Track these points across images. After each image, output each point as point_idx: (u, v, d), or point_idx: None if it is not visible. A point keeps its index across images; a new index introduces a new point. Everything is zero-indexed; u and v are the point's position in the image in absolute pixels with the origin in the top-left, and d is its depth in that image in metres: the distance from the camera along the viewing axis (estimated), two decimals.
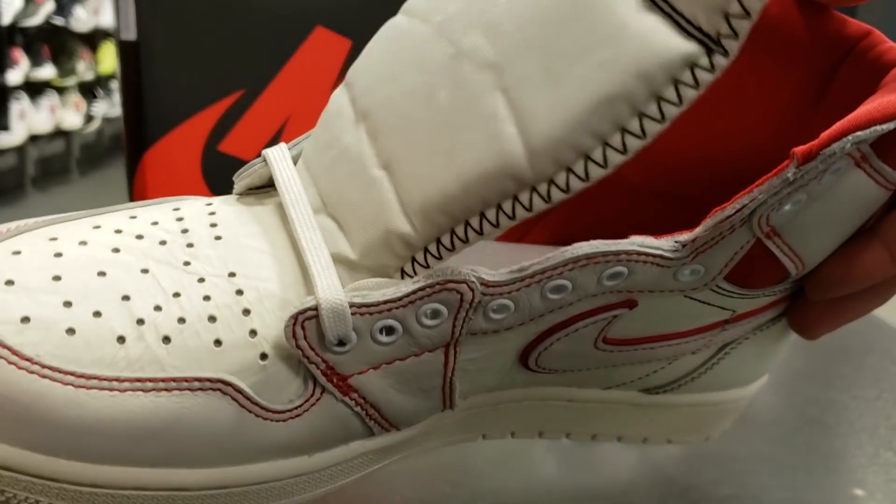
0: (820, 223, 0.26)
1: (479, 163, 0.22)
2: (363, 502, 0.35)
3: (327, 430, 0.25)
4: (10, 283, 0.23)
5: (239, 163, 0.48)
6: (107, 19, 2.88)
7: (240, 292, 0.25)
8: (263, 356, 0.24)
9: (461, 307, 0.24)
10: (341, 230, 0.25)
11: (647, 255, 0.24)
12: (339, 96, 0.27)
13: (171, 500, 0.24)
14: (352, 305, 0.24)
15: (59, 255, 0.24)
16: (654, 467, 0.37)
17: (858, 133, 0.22)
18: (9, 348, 0.22)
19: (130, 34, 0.45)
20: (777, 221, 0.25)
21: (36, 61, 2.66)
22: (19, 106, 2.56)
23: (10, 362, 0.22)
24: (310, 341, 0.24)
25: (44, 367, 0.23)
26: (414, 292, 0.24)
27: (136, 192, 0.47)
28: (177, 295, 0.24)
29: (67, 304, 0.23)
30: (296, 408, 0.25)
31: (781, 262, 0.26)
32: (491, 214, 0.23)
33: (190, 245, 0.25)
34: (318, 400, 0.25)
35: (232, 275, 0.25)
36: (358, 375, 0.25)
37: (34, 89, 2.66)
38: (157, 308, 0.24)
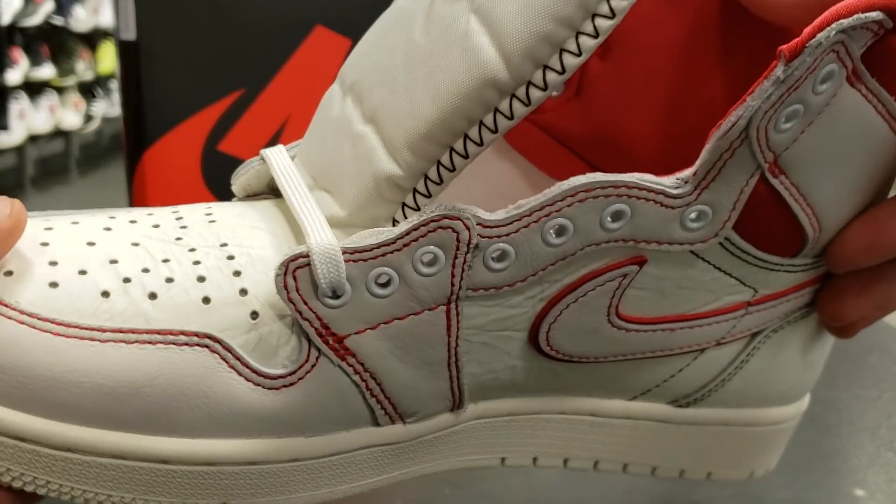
0: (823, 156, 0.25)
1: (458, 80, 0.22)
2: (364, 503, 0.35)
3: (325, 403, 0.24)
4: None
5: (239, 163, 0.48)
6: (106, 19, 2.87)
7: (231, 257, 0.24)
8: (254, 314, 0.24)
9: (458, 249, 0.23)
10: (333, 197, 0.25)
11: (648, 189, 0.24)
12: (331, 87, 0.27)
13: (152, 474, 0.23)
14: (344, 251, 0.23)
15: (49, 228, 0.24)
16: None
17: (842, 21, 0.22)
18: None
19: (130, 34, 0.45)
20: (776, 142, 0.24)
21: (35, 61, 2.66)
22: (18, 106, 2.56)
23: None
24: (302, 293, 0.23)
25: (22, 312, 0.22)
26: (408, 232, 0.23)
27: (136, 191, 0.47)
28: (166, 261, 0.24)
29: (53, 262, 0.23)
30: (290, 374, 0.24)
31: (793, 211, 0.25)
32: (474, 133, 0.23)
33: (183, 227, 0.25)
34: (313, 366, 0.24)
35: (224, 245, 0.25)
36: (355, 336, 0.24)
37: (33, 89, 2.66)
38: (145, 270, 0.23)
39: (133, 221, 0.25)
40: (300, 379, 0.24)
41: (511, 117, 0.22)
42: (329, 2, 0.46)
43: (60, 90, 2.79)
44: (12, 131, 2.53)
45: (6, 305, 0.22)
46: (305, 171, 0.26)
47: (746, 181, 0.24)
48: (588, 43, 0.22)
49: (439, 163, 0.23)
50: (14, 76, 2.54)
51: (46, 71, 2.70)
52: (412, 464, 0.27)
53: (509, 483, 0.36)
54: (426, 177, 0.23)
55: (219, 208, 0.27)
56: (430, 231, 0.23)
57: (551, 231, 0.24)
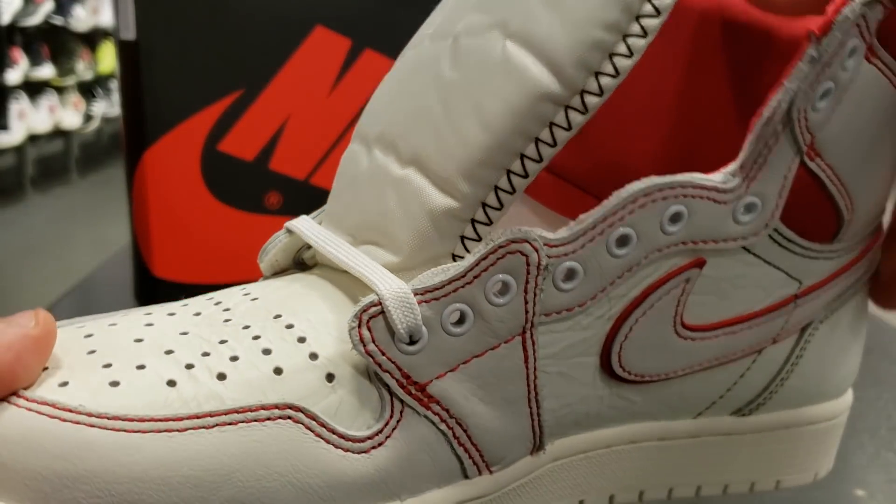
0: (852, 133, 0.25)
1: (508, 101, 0.22)
2: None
3: (415, 458, 0.23)
4: (44, 369, 0.21)
5: (238, 162, 0.48)
6: (106, 19, 2.87)
7: (290, 326, 0.23)
8: (330, 377, 0.22)
9: (529, 273, 0.23)
10: (381, 247, 0.24)
11: (702, 187, 0.24)
12: (349, 148, 0.27)
13: None
14: (416, 293, 0.22)
15: (89, 335, 0.23)
16: None
17: None
18: (48, 403, 0.20)
19: (130, 34, 0.45)
20: (814, 122, 0.24)
21: (35, 61, 2.66)
22: (18, 106, 2.56)
23: (51, 416, 0.20)
24: (379, 343, 0.22)
25: (90, 415, 0.20)
26: (477, 263, 0.22)
27: (136, 191, 0.47)
28: (223, 342, 0.23)
29: (106, 365, 0.22)
30: (377, 433, 0.23)
31: (830, 192, 0.26)
32: (531, 150, 0.23)
33: (226, 310, 0.24)
34: (398, 421, 0.23)
35: (278, 317, 0.24)
36: (436, 381, 0.23)
37: (33, 89, 2.66)
38: (205, 354, 0.22)
39: (171, 314, 0.24)
40: (387, 438, 0.23)
41: (569, 128, 0.22)
42: (329, 2, 0.46)
43: (60, 90, 2.80)
44: (12, 131, 2.53)
45: (71, 410, 0.20)
46: (340, 233, 0.25)
47: (789, 167, 0.25)
48: (638, 43, 0.22)
49: (497, 187, 0.23)
50: (14, 76, 2.54)
51: (46, 71, 2.70)
52: None
53: None
54: (484, 204, 0.23)
55: (255, 288, 0.26)
56: (498, 259, 0.23)
57: (615, 242, 0.24)
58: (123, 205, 0.49)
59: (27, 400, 0.20)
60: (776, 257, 0.26)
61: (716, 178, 0.24)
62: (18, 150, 2.63)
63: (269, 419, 0.21)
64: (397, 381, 0.23)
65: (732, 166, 0.24)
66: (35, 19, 2.61)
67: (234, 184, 0.47)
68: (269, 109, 0.47)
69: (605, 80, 0.22)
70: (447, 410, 0.23)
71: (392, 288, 0.22)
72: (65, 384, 0.21)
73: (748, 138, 0.24)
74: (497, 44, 0.23)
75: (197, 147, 0.46)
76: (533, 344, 0.24)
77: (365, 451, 0.22)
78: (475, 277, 0.23)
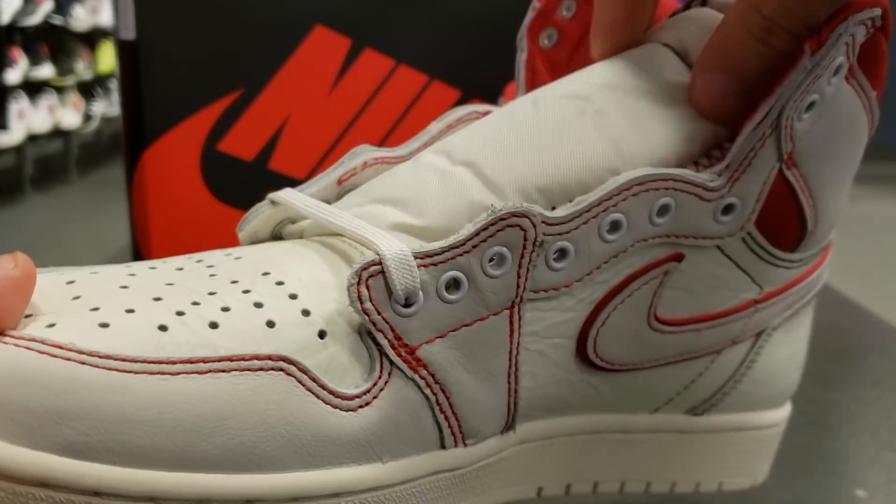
0: (825, 147, 0.27)
1: (582, 157, 0.25)
2: None
3: (399, 420, 0.24)
4: (27, 316, 0.21)
5: (238, 162, 0.48)
6: (106, 18, 2.88)
7: (280, 283, 0.23)
8: (322, 334, 0.23)
9: (525, 248, 0.24)
10: (398, 208, 0.25)
11: (691, 183, 0.25)
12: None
13: None
14: (416, 256, 0.23)
15: (71, 282, 0.22)
16: None
17: (856, 14, 0.24)
18: (37, 340, 0.20)
19: (129, 33, 0.45)
20: (798, 132, 0.26)
21: (34, 61, 2.66)
22: (18, 105, 2.56)
23: (40, 352, 0.19)
24: (376, 302, 0.22)
25: (81, 353, 0.20)
26: (478, 233, 0.23)
27: (135, 191, 0.47)
28: (212, 293, 0.23)
29: (94, 308, 0.21)
30: (365, 392, 0.23)
31: (801, 203, 0.27)
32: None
33: (210, 266, 0.24)
34: (386, 382, 0.23)
35: (266, 274, 0.24)
36: (426, 346, 0.23)
37: (33, 89, 2.66)
38: (195, 303, 0.22)
39: (153, 268, 0.24)
40: (374, 398, 0.23)
41: None
42: (329, 2, 0.46)
43: (60, 90, 2.80)
44: (12, 131, 2.53)
45: (61, 347, 0.20)
46: (356, 197, 0.26)
47: (769, 172, 0.26)
48: (710, 166, 0.26)
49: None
50: (13, 76, 2.54)
51: (46, 71, 2.70)
52: (468, 496, 0.26)
53: None
54: None
55: (237, 250, 0.26)
56: (498, 230, 0.23)
57: (606, 227, 0.25)
58: (123, 205, 0.49)
59: (14, 338, 0.20)
60: (745, 260, 0.28)
61: (704, 175, 0.25)
62: (18, 149, 2.62)
63: (261, 370, 0.21)
64: (389, 341, 0.23)
65: (719, 166, 0.25)
66: (35, 19, 2.61)
67: (234, 184, 0.47)
68: (268, 109, 0.47)
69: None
70: (433, 375, 0.24)
71: (393, 249, 0.23)
72: (52, 325, 0.20)
73: (737, 140, 0.25)
74: (580, 115, 0.26)
75: (197, 147, 0.46)
76: (519, 319, 0.25)
77: (353, 410, 0.23)
78: (474, 247, 0.23)
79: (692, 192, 0.25)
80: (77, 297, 0.22)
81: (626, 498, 0.31)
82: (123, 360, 0.20)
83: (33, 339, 0.20)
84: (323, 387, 0.22)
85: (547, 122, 0.26)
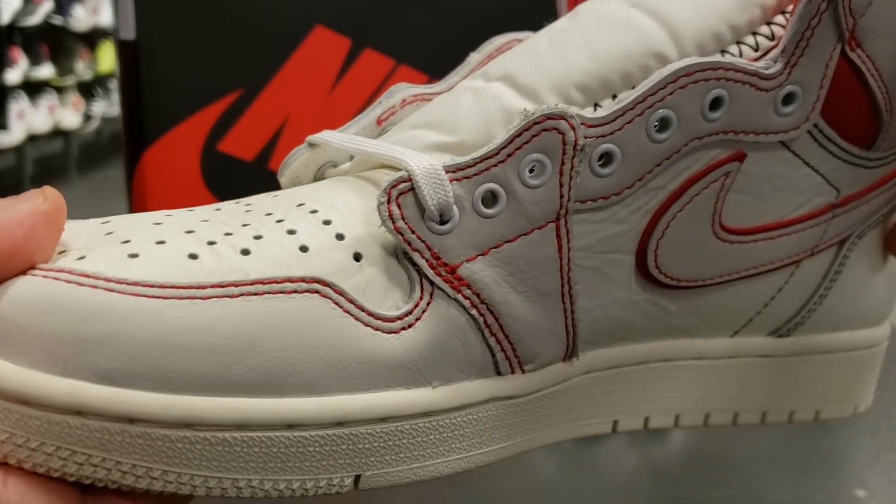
0: (888, 21, 0.25)
1: (623, 45, 0.24)
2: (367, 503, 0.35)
3: (446, 343, 0.23)
4: (60, 253, 0.21)
5: (238, 162, 0.48)
6: (106, 18, 2.87)
7: (314, 211, 0.23)
8: (357, 256, 0.22)
9: (565, 154, 0.22)
10: (433, 129, 0.24)
11: (744, 71, 0.23)
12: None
13: (280, 445, 0.21)
14: (447, 170, 0.22)
15: (106, 222, 0.22)
16: (655, 468, 0.37)
17: None
18: (66, 270, 0.20)
19: (129, 33, 0.45)
20: (857, 4, 0.24)
21: (34, 61, 2.65)
22: (18, 105, 2.56)
23: (68, 282, 0.19)
24: (409, 220, 0.22)
25: (109, 280, 0.19)
26: (511, 140, 0.22)
27: (135, 191, 0.47)
28: (245, 225, 0.22)
29: (125, 241, 0.21)
30: (407, 314, 0.22)
31: (871, 88, 0.25)
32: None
33: (248, 204, 0.24)
34: (428, 303, 0.22)
35: (301, 205, 0.23)
36: (467, 264, 0.22)
37: (33, 89, 2.66)
38: (228, 234, 0.22)
39: (191, 210, 0.24)
40: (417, 320, 0.22)
41: None
42: (329, 2, 0.46)
43: (60, 90, 2.79)
44: (12, 131, 2.53)
45: (89, 276, 0.19)
46: (395, 129, 0.26)
47: (830, 54, 0.24)
48: (749, 53, 0.24)
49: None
50: (13, 76, 2.53)
51: (46, 71, 2.70)
52: (532, 428, 0.25)
53: (509, 484, 0.36)
54: None
55: (279, 192, 0.25)
56: (534, 136, 0.22)
57: (655, 125, 0.23)
58: (123, 205, 0.49)
59: (43, 270, 0.20)
60: (815, 158, 0.26)
61: (758, 63, 0.24)
62: (18, 149, 2.62)
63: (295, 292, 0.21)
64: (427, 261, 0.22)
65: (774, 52, 0.24)
66: (35, 19, 2.61)
67: (234, 184, 0.47)
68: (268, 109, 0.47)
69: None
70: (478, 295, 0.23)
71: (422, 164, 0.22)
72: (82, 258, 0.20)
73: (791, 19, 0.23)
74: (619, 10, 0.24)
75: (197, 147, 0.46)
76: (567, 233, 0.23)
77: (395, 332, 0.22)
78: (509, 156, 0.22)
79: (746, 80, 0.23)
80: (110, 234, 0.21)
81: (632, 499, 0.31)
82: (152, 286, 0.20)
83: (62, 270, 0.19)
84: (362, 308, 0.22)
85: (586, 25, 0.24)
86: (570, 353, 0.25)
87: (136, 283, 0.20)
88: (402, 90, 0.28)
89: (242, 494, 0.21)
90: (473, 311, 0.23)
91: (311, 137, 0.26)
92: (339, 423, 0.21)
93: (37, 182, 2.74)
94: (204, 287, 0.20)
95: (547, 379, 0.25)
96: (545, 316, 0.24)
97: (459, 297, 0.22)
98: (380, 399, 0.22)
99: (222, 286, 0.20)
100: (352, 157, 0.27)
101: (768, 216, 0.26)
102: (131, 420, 0.19)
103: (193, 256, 0.21)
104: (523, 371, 0.24)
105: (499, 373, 0.24)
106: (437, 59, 0.50)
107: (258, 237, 0.22)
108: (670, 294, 0.26)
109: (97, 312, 0.19)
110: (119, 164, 0.52)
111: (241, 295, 0.20)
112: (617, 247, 0.24)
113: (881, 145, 0.27)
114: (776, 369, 0.29)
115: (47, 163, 2.86)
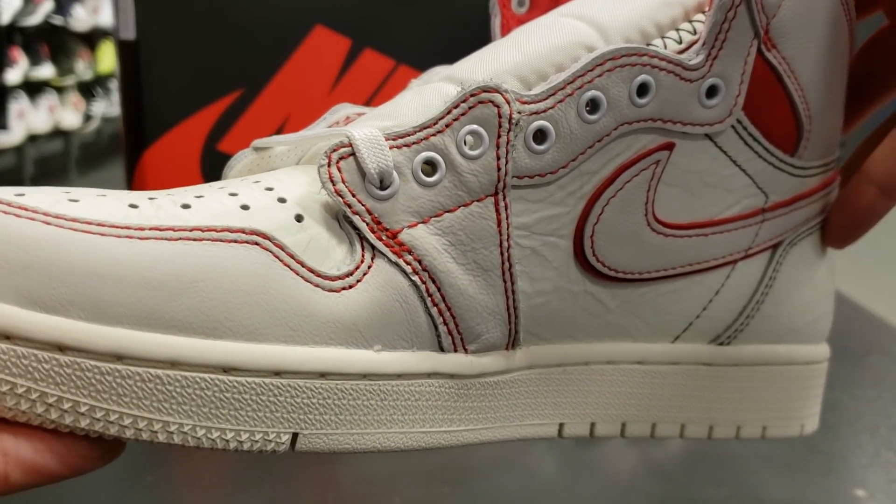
0: (803, 26, 0.26)
1: (553, 41, 0.25)
2: (363, 502, 0.35)
3: (387, 307, 0.23)
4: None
5: None
6: (106, 18, 2.87)
7: (257, 182, 0.24)
8: (299, 217, 0.22)
9: (500, 127, 0.23)
10: (380, 121, 0.25)
11: (667, 60, 0.25)
12: None
13: (215, 389, 0.20)
14: (387, 137, 0.23)
15: (66, 192, 0.22)
16: (653, 466, 0.37)
17: None
18: (3, 202, 0.19)
19: (129, 33, 0.45)
20: (768, 1, 0.25)
21: (35, 61, 2.65)
22: (18, 105, 2.56)
23: (5, 212, 0.19)
24: (349, 184, 0.22)
25: (47, 214, 0.19)
26: (448, 111, 0.23)
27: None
28: (187, 192, 0.23)
29: (66, 191, 0.21)
30: (348, 275, 0.22)
31: (788, 89, 0.26)
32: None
33: (199, 189, 0.24)
34: (369, 266, 0.23)
35: (244, 179, 0.24)
36: (407, 230, 0.23)
37: (33, 89, 2.66)
38: (170, 194, 0.22)
39: (153, 199, 0.24)
40: (358, 281, 0.23)
41: None
42: (329, 2, 0.46)
43: (60, 90, 2.79)
44: (12, 131, 2.53)
45: (26, 209, 0.19)
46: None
47: (748, 50, 0.25)
48: (673, 46, 0.25)
49: None
50: (13, 76, 2.53)
51: (46, 70, 2.70)
52: (476, 418, 0.25)
53: (508, 483, 0.36)
54: None
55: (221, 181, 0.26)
56: (470, 107, 0.23)
57: (586, 106, 0.24)
58: None
59: None
60: (742, 157, 0.27)
61: (682, 55, 0.25)
62: (18, 149, 2.62)
63: (234, 241, 0.21)
64: (367, 224, 0.23)
65: (697, 45, 0.25)
66: (35, 19, 2.61)
67: None
68: (269, 109, 0.47)
69: None
70: (419, 261, 0.23)
71: (363, 131, 0.23)
72: (21, 195, 0.20)
73: (708, 12, 0.25)
74: (549, 18, 0.26)
75: (197, 146, 0.46)
76: (506, 207, 0.24)
77: (335, 290, 0.22)
78: (447, 126, 0.23)
79: (671, 70, 0.25)
80: (67, 192, 0.21)
81: (631, 497, 0.31)
82: (90, 223, 0.20)
83: (0, 202, 0.19)
84: (302, 264, 0.22)
85: (518, 33, 0.26)
86: (514, 342, 0.25)
87: (74, 220, 0.20)
88: (345, 108, 0.29)
89: (173, 440, 0.20)
90: (415, 278, 0.23)
91: (256, 141, 0.27)
92: (277, 373, 0.21)
93: (37, 182, 2.74)
94: (143, 228, 0.20)
95: (490, 365, 0.25)
96: (486, 293, 0.24)
97: (401, 261, 0.23)
98: (319, 353, 0.22)
99: (160, 230, 0.20)
100: (298, 162, 0.28)
101: (701, 213, 0.27)
102: (61, 348, 0.19)
103: (133, 206, 0.21)
104: (466, 351, 0.25)
105: (442, 349, 0.24)
106: (437, 59, 0.50)
107: (199, 196, 0.22)
108: (610, 288, 0.27)
109: (33, 241, 0.19)
110: (119, 164, 0.52)
111: (180, 239, 0.20)
112: (554, 230, 0.25)
113: (804, 154, 0.28)
114: (719, 380, 0.29)
115: (47, 163, 2.85)
